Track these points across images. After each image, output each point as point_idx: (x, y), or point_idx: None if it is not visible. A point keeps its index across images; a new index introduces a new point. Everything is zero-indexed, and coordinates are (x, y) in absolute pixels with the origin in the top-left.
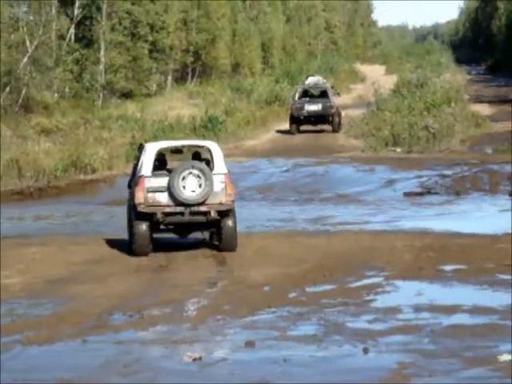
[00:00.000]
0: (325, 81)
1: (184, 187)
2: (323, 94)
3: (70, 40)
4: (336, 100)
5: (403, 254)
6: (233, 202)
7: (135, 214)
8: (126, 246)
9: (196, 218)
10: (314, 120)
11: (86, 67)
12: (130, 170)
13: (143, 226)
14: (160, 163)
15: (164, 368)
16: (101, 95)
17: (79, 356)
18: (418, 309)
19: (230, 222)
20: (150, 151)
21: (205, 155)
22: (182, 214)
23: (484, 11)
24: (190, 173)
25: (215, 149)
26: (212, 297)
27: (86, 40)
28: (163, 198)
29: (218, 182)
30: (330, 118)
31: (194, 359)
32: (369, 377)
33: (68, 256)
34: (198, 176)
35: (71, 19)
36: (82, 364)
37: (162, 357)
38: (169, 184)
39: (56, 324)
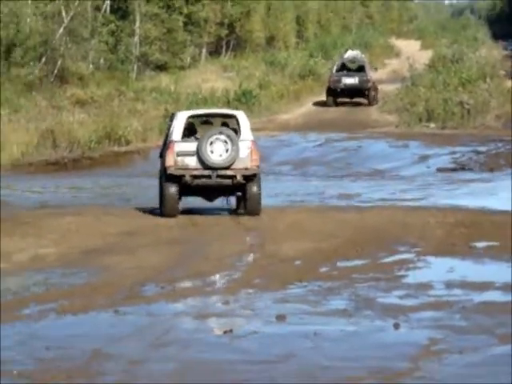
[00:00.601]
0: (363, 55)
1: (212, 152)
2: (360, 69)
3: (105, 11)
4: (373, 75)
5: (435, 229)
6: (258, 167)
7: (165, 176)
8: (159, 218)
9: (222, 181)
10: (350, 93)
11: (121, 39)
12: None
13: (173, 188)
14: (190, 131)
15: (195, 340)
16: (135, 67)
17: (111, 326)
18: (449, 285)
19: (255, 187)
20: (181, 118)
21: (233, 124)
22: (209, 177)
23: None
24: (218, 138)
25: (242, 118)
26: (243, 270)
27: (121, 11)
28: (192, 161)
29: (244, 148)
30: (367, 92)
31: (225, 331)
32: (399, 352)
33: (102, 227)
34: (225, 141)
35: None
36: (114, 334)
37: (193, 329)
38: (197, 148)
39: (89, 294)
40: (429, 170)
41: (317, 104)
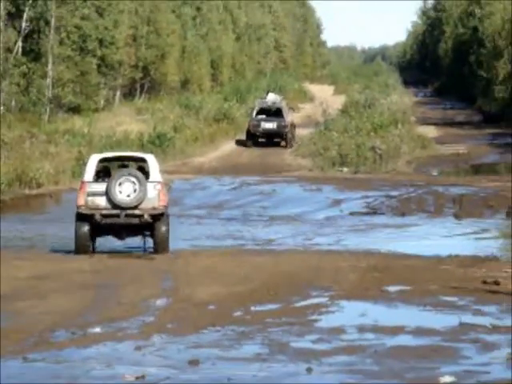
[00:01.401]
0: (281, 98)
1: (120, 192)
2: (278, 113)
3: (17, 53)
4: (291, 116)
5: (348, 273)
6: (165, 207)
7: (77, 215)
8: (71, 262)
9: (131, 220)
10: (269, 136)
11: (33, 81)
12: (76, 186)
13: (84, 227)
14: (104, 173)
15: None
16: (48, 109)
17: (20, 373)
18: (362, 329)
19: (162, 226)
20: (93, 160)
21: (144, 167)
22: (118, 216)
23: (431, 35)
24: (126, 179)
25: (151, 160)
26: (156, 314)
27: (33, 53)
28: (102, 201)
29: (152, 189)
30: (284, 136)
31: (137, 378)
32: None
33: (12, 271)
34: (133, 182)
35: (19, 32)
36: (23, 382)
37: (104, 375)
38: (107, 189)
39: None
40: (342, 213)
41: (231, 147)
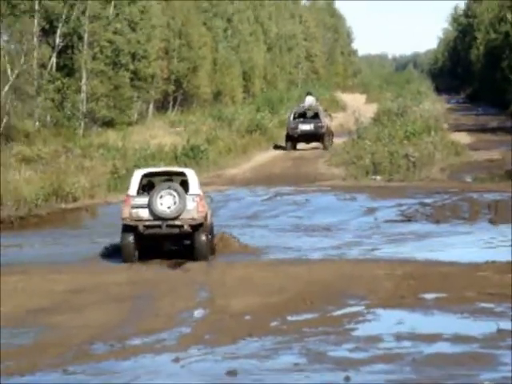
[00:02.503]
0: (318, 103)
1: (161, 204)
2: (315, 116)
3: (51, 69)
4: (328, 121)
5: (384, 282)
6: (204, 218)
7: (122, 226)
8: (107, 275)
9: (171, 230)
10: (306, 138)
11: (67, 96)
12: (111, 199)
13: (129, 237)
14: (149, 186)
15: None
16: (82, 124)
17: None
18: (399, 337)
19: (202, 235)
20: (136, 175)
21: (184, 180)
22: (159, 226)
23: (462, 41)
24: (167, 192)
25: (190, 174)
26: (193, 326)
27: (67, 69)
28: (145, 213)
29: (191, 201)
30: (321, 138)
31: None
32: None
33: (49, 285)
34: (173, 195)
35: (53, 48)
36: None
37: None
38: (149, 201)
39: (37, 354)
40: (376, 222)
41: (264, 158)
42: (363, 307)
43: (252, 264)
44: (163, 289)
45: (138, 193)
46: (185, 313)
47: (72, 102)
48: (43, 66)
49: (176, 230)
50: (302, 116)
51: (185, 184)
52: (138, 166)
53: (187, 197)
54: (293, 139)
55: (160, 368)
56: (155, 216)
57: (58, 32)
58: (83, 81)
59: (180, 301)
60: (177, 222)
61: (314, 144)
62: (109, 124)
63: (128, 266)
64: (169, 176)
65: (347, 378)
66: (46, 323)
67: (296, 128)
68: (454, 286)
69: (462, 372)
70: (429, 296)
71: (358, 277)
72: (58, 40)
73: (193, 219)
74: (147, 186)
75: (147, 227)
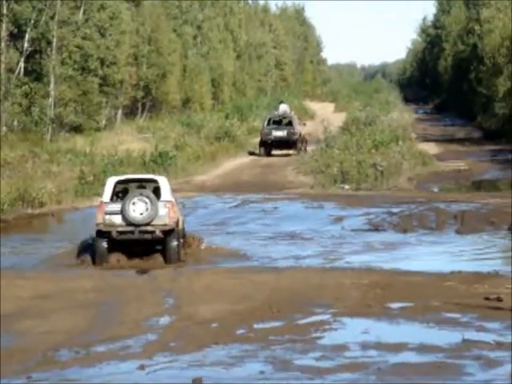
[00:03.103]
0: (291, 111)
1: (134, 210)
2: (289, 123)
3: (19, 73)
4: (301, 128)
5: (351, 291)
6: (175, 223)
7: (96, 232)
8: (73, 282)
9: (144, 236)
10: (280, 144)
11: (35, 101)
12: (78, 205)
13: (102, 242)
14: (122, 193)
15: None
16: (50, 129)
17: None
18: (365, 346)
19: (173, 240)
20: (110, 182)
21: (156, 187)
22: (132, 232)
23: (431, 52)
24: (139, 199)
25: (163, 181)
26: (159, 333)
27: (35, 73)
28: (118, 219)
29: (163, 207)
30: (294, 144)
31: None
32: None
33: (15, 290)
34: (145, 202)
35: (21, 52)
36: None
37: None
38: (121, 208)
39: (1, 360)
40: (344, 231)
41: (232, 165)
42: (330, 316)
43: (219, 271)
44: (130, 295)
45: (112, 199)
46: (151, 320)
47: (40, 106)
48: (11, 70)
49: (148, 236)
50: (277, 123)
51: (157, 191)
52: (105, 172)
53: (159, 203)
54: (266, 145)
55: (125, 375)
56: (128, 222)
57: (27, 36)
58: (51, 86)
59: (146, 307)
60: (149, 228)
61: (285, 151)
62: (77, 129)
63: (95, 272)
64: (141, 183)
65: None
66: (11, 329)
67: (270, 134)
68: (420, 295)
69: (427, 381)
70: (395, 305)
71: (324, 285)
72: (26, 44)
73: (164, 225)
74: (120, 193)
75: (120, 233)
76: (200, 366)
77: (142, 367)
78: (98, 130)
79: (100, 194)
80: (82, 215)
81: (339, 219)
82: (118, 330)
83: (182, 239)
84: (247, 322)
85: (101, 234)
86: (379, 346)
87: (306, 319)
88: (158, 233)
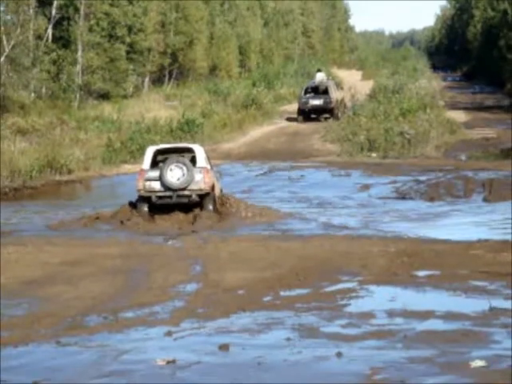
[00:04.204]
0: (328, 78)
1: (171, 176)
2: (325, 91)
3: (47, 40)
4: (338, 94)
5: (377, 259)
6: (211, 188)
7: (138, 197)
8: (101, 248)
9: (181, 199)
10: (317, 112)
11: (63, 68)
12: (105, 172)
13: (144, 206)
14: (162, 161)
15: (137, 371)
16: (77, 96)
17: (53, 358)
18: (391, 314)
19: (209, 204)
20: (149, 151)
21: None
22: (170, 197)
23: (460, 18)
24: (176, 165)
25: (198, 150)
26: (186, 300)
27: (63, 40)
28: (157, 185)
29: (198, 173)
30: (330, 111)
31: (168, 362)
32: (341, 382)
33: (43, 257)
34: (182, 168)
35: (49, 19)
36: (56, 366)
37: (135, 360)
38: (160, 174)
39: (30, 325)
40: (370, 198)
41: (259, 133)
42: (356, 283)
43: (245, 239)
44: (157, 263)
45: (151, 167)
46: (178, 286)
47: (68, 73)
48: (39, 37)
49: (185, 200)
50: (313, 91)
51: (193, 159)
52: (132, 140)
53: (194, 169)
54: (304, 113)
55: (153, 341)
56: (166, 187)
57: (55, 3)
58: (79, 53)
59: (174, 275)
60: (185, 192)
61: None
62: (104, 97)
63: (122, 239)
64: (178, 151)
65: (339, 354)
66: (39, 295)
67: (307, 103)
68: (447, 263)
69: (455, 349)
70: (422, 273)
71: (351, 253)
72: (54, 11)
73: (200, 189)
74: (159, 161)
75: (159, 197)
76: (227, 333)
77: (169, 333)
78: (125, 97)
79: (127, 161)
80: (110, 182)
81: (366, 187)
82: (146, 296)
83: (222, 202)
84: (274, 289)
85: (142, 199)
86: (406, 314)
87: (332, 287)
88: (195, 197)
